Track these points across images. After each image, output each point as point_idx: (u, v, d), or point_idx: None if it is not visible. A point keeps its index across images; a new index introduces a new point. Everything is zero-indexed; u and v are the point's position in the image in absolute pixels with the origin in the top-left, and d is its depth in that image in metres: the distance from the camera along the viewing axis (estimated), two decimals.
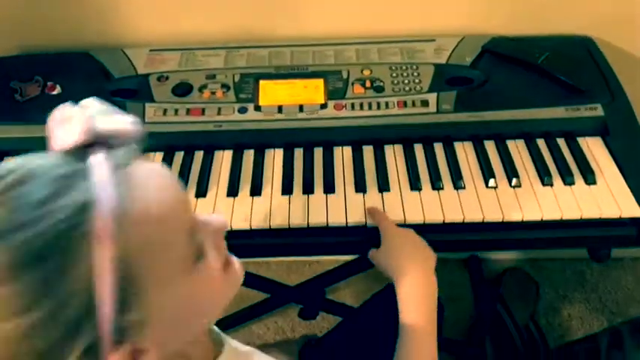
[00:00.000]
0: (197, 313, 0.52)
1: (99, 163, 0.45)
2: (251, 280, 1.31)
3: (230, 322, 1.51)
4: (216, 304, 0.55)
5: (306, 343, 1.34)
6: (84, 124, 0.46)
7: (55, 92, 1.01)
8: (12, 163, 0.45)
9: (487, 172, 0.90)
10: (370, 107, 0.97)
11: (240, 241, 0.84)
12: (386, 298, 0.98)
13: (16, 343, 0.41)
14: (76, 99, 0.99)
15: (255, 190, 0.89)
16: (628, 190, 0.86)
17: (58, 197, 0.42)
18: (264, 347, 1.03)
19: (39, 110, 0.98)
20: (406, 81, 1.00)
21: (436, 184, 0.88)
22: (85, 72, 1.05)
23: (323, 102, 0.98)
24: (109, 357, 0.43)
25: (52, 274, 0.41)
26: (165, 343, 0.48)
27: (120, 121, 0.48)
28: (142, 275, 0.44)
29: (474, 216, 0.84)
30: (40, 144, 0.93)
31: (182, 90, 1.00)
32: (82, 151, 0.46)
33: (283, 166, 0.92)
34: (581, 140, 0.94)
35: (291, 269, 1.65)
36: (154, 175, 0.48)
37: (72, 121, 0.47)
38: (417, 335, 0.75)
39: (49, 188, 0.42)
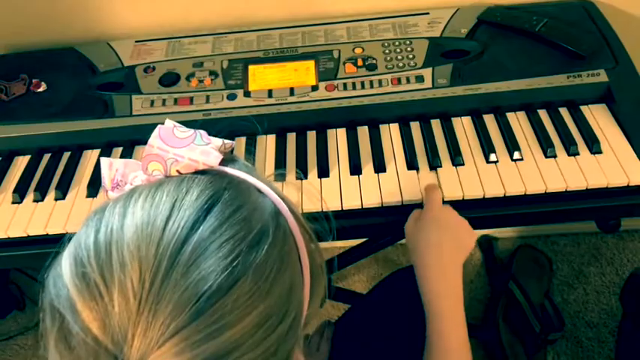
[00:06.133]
0: None
1: (244, 175, 0.46)
2: None
3: None
4: None
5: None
6: (215, 145, 0.47)
7: (40, 89, 0.99)
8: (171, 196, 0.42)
9: (487, 147, 0.86)
10: (363, 86, 0.93)
11: None
12: (396, 282, 0.96)
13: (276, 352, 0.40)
14: (61, 96, 0.98)
15: None
16: (635, 157, 0.82)
17: (254, 211, 0.42)
18: None
19: (25, 109, 0.97)
20: (400, 57, 0.97)
21: (434, 162, 0.85)
22: (70, 67, 1.03)
23: (314, 84, 0.95)
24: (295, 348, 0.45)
25: (292, 278, 0.43)
26: None
27: (217, 139, 0.49)
28: (313, 265, 0.47)
29: (474, 193, 0.81)
30: (26, 142, 0.93)
31: (169, 80, 0.97)
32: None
33: (276, 153, 0.90)
34: (584, 108, 0.90)
35: None
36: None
37: (197, 142, 0.46)
38: (439, 322, 0.71)
39: (245, 205, 0.42)
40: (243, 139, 0.92)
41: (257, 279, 0.39)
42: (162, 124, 0.48)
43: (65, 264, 0.40)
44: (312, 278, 0.46)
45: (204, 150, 0.45)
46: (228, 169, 0.46)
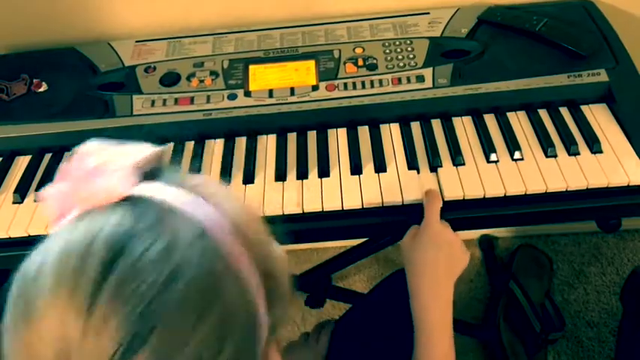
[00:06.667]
0: None
1: (164, 190, 0.42)
2: None
3: None
4: None
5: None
6: (130, 168, 0.42)
7: (41, 89, 0.99)
8: (82, 236, 0.39)
9: (488, 147, 0.86)
10: (364, 86, 0.93)
11: None
12: (396, 282, 0.96)
13: None
14: (62, 96, 0.98)
15: (248, 178, 0.86)
16: (636, 156, 0.82)
17: (176, 241, 0.39)
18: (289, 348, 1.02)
19: (26, 109, 0.97)
20: (400, 57, 0.97)
21: (434, 162, 0.85)
22: (71, 67, 1.03)
23: (315, 83, 0.95)
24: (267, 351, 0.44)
25: (227, 307, 0.39)
26: None
27: (140, 149, 0.44)
28: (271, 269, 0.44)
29: (475, 192, 0.81)
30: (27, 142, 0.93)
31: (170, 80, 0.97)
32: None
33: (276, 152, 0.90)
34: (584, 108, 0.90)
35: (300, 258, 1.62)
36: (210, 183, 0.46)
37: (111, 172, 0.42)
38: (428, 335, 0.73)
39: (158, 241, 0.38)
40: (243, 139, 0.92)
41: (176, 323, 0.36)
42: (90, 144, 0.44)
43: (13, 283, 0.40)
44: (269, 281, 0.43)
45: (112, 184, 0.41)
46: (147, 191, 0.42)
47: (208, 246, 0.40)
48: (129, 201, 0.41)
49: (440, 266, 0.75)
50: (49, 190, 0.43)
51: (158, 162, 0.45)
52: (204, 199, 0.42)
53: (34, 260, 0.39)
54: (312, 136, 0.92)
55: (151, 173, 0.43)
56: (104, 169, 0.42)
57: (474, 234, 1.62)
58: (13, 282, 0.40)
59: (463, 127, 0.90)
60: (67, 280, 0.37)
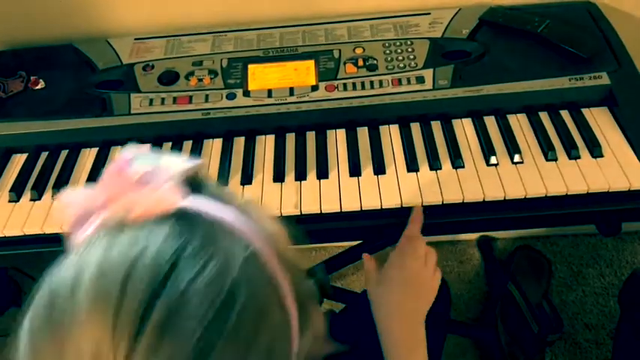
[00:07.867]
0: None
1: (212, 209, 0.39)
2: None
3: None
4: None
5: None
6: (179, 178, 0.39)
7: (38, 87, 0.99)
8: (129, 257, 0.35)
9: (487, 150, 0.85)
10: (363, 87, 0.93)
11: None
12: None
13: None
14: (59, 93, 0.97)
15: (246, 179, 0.85)
16: (637, 161, 0.81)
17: (228, 264, 0.36)
18: None
19: (23, 106, 0.96)
20: (400, 57, 0.96)
21: (434, 164, 0.84)
22: (69, 65, 1.02)
23: (314, 84, 0.94)
24: None
25: (273, 335, 0.38)
26: None
27: (181, 160, 0.41)
28: (303, 297, 0.42)
29: (474, 196, 0.80)
30: (23, 140, 0.92)
31: (168, 78, 0.97)
32: None
33: (275, 153, 0.89)
34: (586, 111, 0.90)
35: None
36: (251, 201, 0.45)
37: (160, 181, 0.38)
38: None
39: (209, 264, 0.35)
40: (241, 139, 0.91)
41: (233, 349, 0.34)
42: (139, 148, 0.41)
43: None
44: (300, 311, 0.42)
45: (162, 194, 0.38)
46: (193, 206, 0.39)
47: (257, 270, 0.38)
48: (175, 215, 0.38)
49: (407, 305, 0.74)
50: (77, 193, 0.39)
51: (200, 175, 0.42)
52: (251, 219, 0.40)
53: (68, 273, 0.35)
54: (311, 136, 0.91)
55: (194, 187, 0.40)
56: (151, 178, 0.38)
57: (473, 235, 1.61)
58: (43, 288, 0.36)
59: (463, 129, 0.89)
60: (106, 306, 0.33)
